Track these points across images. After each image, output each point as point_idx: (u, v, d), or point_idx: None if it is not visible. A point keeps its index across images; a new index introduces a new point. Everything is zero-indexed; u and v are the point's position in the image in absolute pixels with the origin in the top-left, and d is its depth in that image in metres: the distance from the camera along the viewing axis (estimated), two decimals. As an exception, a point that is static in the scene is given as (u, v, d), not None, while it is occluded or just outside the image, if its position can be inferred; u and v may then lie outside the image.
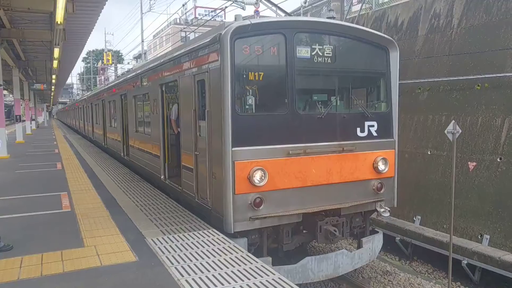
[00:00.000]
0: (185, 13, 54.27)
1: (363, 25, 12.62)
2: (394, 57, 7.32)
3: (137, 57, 62.36)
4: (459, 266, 8.51)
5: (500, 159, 8.91)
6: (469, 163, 9.48)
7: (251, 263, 4.83)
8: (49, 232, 6.24)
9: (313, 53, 6.52)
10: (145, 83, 10.40)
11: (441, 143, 10.18)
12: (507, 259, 7.83)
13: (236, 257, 5.03)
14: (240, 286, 4.20)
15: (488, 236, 8.70)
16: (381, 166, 7.02)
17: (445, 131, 8.40)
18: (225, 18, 43.15)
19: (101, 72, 76.66)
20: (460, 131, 8.43)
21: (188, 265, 4.76)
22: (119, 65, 58.78)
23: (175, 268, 4.69)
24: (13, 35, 15.55)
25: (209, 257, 5.01)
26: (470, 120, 9.68)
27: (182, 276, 4.46)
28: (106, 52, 58.41)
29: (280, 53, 6.31)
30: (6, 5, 11.77)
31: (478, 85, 9.64)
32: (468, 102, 9.85)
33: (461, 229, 9.24)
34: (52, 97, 56.84)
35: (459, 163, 9.52)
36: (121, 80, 14.58)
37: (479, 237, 8.88)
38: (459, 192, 9.31)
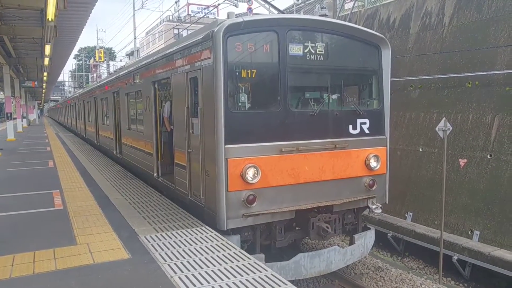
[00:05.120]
0: (178, 10, 53.97)
1: (355, 23, 12.68)
2: (386, 55, 7.37)
3: (130, 54, 61.95)
4: (450, 262, 8.62)
5: (490, 156, 9.02)
6: (460, 160, 9.58)
7: (244, 260, 4.85)
8: (41, 230, 6.21)
9: (305, 51, 6.55)
10: (137, 81, 10.35)
11: (433, 140, 10.28)
12: (497, 255, 7.94)
13: (229, 254, 5.05)
14: (233, 282, 4.22)
15: (478, 232, 8.81)
16: (373, 163, 7.07)
17: (436, 128, 8.49)
18: (218, 16, 43.03)
19: (93, 69, 76.03)
20: (451, 128, 8.53)
21: (181, 262, 4.77)
22: (111, 62, 58.38)
23: (168, 265, 4.70)
24: (3, 32, 15.37)
25: (202, 254, 5.02)
26: (461, 117, 9.78)
27: (175, 273, 4.47)
28: (98, 49, 57.97)
29: (273, 50, 6.33)
30: (-4, 1, 11.63)
31: (469, 83, 9.74)
32: (459, 100, 9.94)
33: (452, 225, 9.35)
34: (43, 94, 56.31)
35: (450, 160, 9.61)
36: (113, 77, 14.50)
37: (470, 233, 8.99)
38: (450, 188, 9.41)
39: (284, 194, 6.38)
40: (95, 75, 69.94)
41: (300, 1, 19.80)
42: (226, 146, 5.91)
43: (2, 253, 5.16)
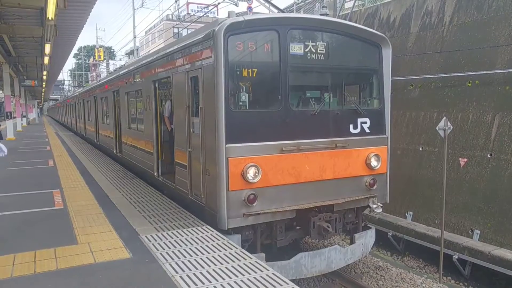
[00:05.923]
0: (178, 9, 53.88)
1: (355, 22, 12.66)
2: (387, 54, 7.36)
3: (129, 53, 61.94)
4: (450, 261, 8.63)
5: (491, 155, 9.02)
6: (460, 159, 9.58)
7: (245, 259, 4.84)
8: (42, 229, 6.20)
9: (306, 50, 6.54)
10: (138, 80, 10.34)
11: (433, 140, 10.28)
12: (497, 254, 7.95)
13: (230, 253, 5.05)
14: (235, 282, 4.22)
15: (478, 231, 8.81)
16: (373, 163, 7.07)
17: (437, 128, 8.49)
18: (218, 15, 43.01)
19: (93, 68, 75.99)
20: (451, 127, 8.53)
21: (182, 262, 4.76)
22: (111, 61, 58.31)
23: (169, 264, 4.69)
24: (3, 31, 15.33)
25: (203, 254, 5.02)
26: (461, 116, 9.78)
27: (177, 272, 4.47)
28: (97, 48, 57.90)
29: (274, 49, 6.32)
30: (-4, 0, 11.60)
31: (469, 82, 9.74)
32: (459, 99, 9.94)
33: (452, 225, 9.35)
34: (43, 93, 56.25)
35: (450, 159, 9.62)
36: (113, 76, 14.49)
37: (470, 232, 9.00)
38: (450, 188, 9.41)
39: (285, 193, 6.37)
40: (94, 74, 69.91)
41: (300, 0, 19.79)
42: (227, 145, 5.90)
43: (2, 252, 5.16)
